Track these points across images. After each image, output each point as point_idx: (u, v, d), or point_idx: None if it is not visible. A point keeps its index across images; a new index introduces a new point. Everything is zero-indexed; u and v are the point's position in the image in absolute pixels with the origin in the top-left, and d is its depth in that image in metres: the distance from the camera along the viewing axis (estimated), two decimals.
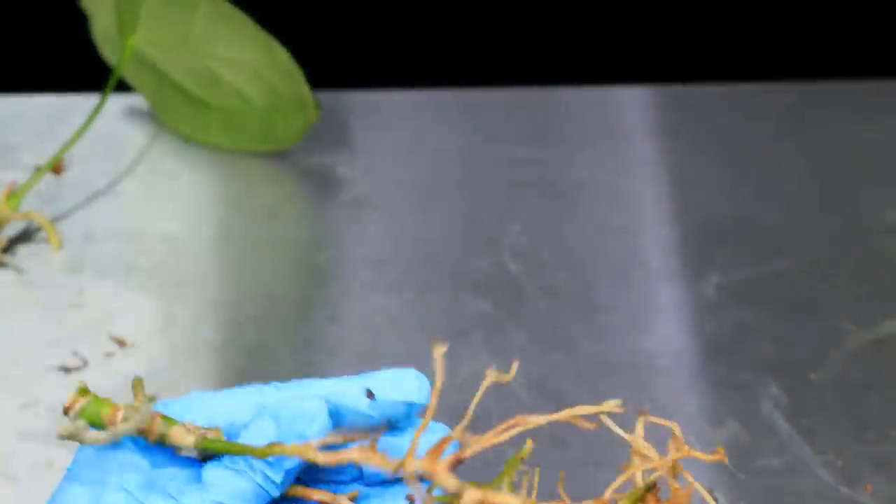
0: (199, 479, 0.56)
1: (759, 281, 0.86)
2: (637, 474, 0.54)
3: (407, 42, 1.09)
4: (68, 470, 0.57)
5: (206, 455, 0.56)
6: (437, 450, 0.50)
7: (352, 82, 0.99)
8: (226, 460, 0.55)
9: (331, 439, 0.53)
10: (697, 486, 0.53)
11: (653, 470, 0.54)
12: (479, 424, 0.78)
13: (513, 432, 0.51)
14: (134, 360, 0.81)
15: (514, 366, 0.52)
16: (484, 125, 0.96)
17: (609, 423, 0.54)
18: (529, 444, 0.53)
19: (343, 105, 0.96)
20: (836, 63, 1.06)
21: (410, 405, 0.56)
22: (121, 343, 0.82)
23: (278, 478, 0.55)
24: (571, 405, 0.78)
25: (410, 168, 0.93)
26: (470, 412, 0.51)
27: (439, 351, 0.49)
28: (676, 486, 0.53)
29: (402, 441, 0.57)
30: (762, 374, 0.81)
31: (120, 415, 0.55)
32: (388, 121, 0.96)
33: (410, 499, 0.56)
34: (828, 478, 0.76)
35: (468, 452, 0.50)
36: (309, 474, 0.58)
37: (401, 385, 0.56)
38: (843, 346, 0.82)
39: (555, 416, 0.51)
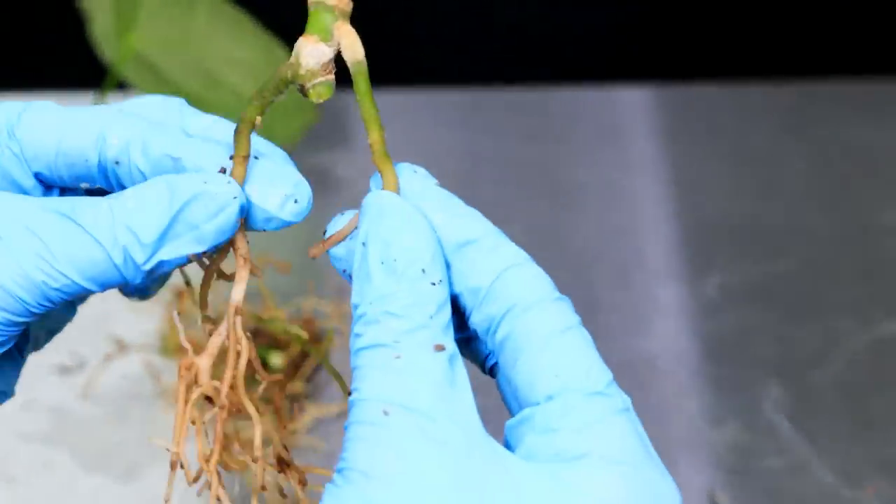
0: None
1: (760, 281, 0.86)
2: None
3: (407, 42, 1.09)
4: None
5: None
6: None
7: (352, 82, 0.99)
8: (90, 218, 0.43)
9: None
10: None
11: None
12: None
13: None
14: (134, 361, 0.81)
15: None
16: (484, 125, 0.95)
17: None
18: None
19: (343, 105, 0.96)
20: (836, 63, 1.06)
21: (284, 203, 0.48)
22: (121, 343, 0.81)
23: (143, 256, 0.43)
24: None
25: None
26: None
27: None
28: (236, 398, 0.47)
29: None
30: (763, 375, 0.80)
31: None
32: (389, 121, 0.96)
33: None
34: (829, 478, 0.76)
35: None
36: None
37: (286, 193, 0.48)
38: (844, 346, 0.82)
39: None
